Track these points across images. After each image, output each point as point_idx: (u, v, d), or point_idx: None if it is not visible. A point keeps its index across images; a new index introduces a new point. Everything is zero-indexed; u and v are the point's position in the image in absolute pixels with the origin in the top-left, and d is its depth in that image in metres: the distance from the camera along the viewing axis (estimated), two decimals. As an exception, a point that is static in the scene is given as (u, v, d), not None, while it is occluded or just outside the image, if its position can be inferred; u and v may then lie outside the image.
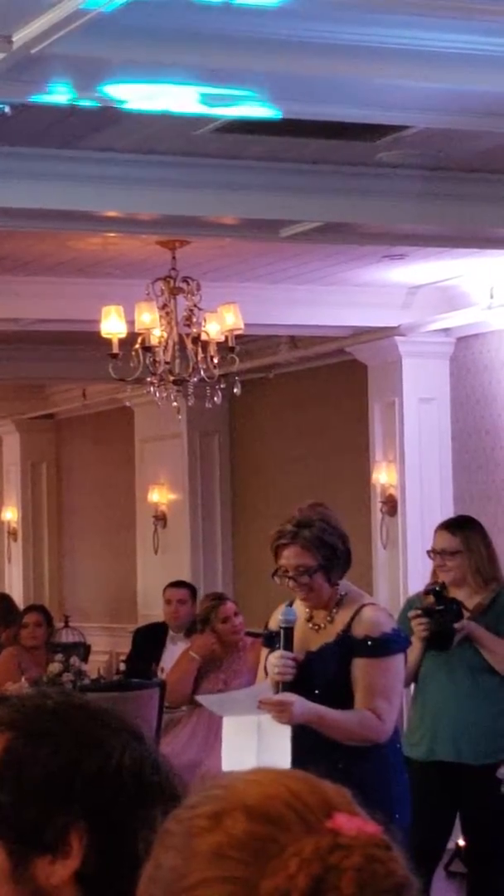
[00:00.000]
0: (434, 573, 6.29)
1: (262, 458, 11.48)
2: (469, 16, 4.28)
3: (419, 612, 6.03)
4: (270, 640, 5.10)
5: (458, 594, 6.13)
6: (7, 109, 5.09)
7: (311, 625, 5.01)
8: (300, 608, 5.05)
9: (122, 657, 10.84)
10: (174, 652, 9.11)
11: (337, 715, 4.82)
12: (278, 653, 4.89)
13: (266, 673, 5.03)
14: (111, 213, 6.50)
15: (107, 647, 12.60)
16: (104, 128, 5.68)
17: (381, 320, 9.27)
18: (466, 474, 9.34)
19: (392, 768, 4.97)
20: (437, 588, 6.15)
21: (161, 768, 1.74)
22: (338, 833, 1.23)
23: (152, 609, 11.08)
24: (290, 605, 5.07)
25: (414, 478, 9.40)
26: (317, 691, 4.85)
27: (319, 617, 5.00)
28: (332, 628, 4.97)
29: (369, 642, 4.87)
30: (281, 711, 4.74)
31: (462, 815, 6.10)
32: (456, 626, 5.97)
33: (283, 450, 11.18)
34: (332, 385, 10.66)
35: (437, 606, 6.03)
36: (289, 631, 4.92)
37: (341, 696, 4.85)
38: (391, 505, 9.49)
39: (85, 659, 10.36)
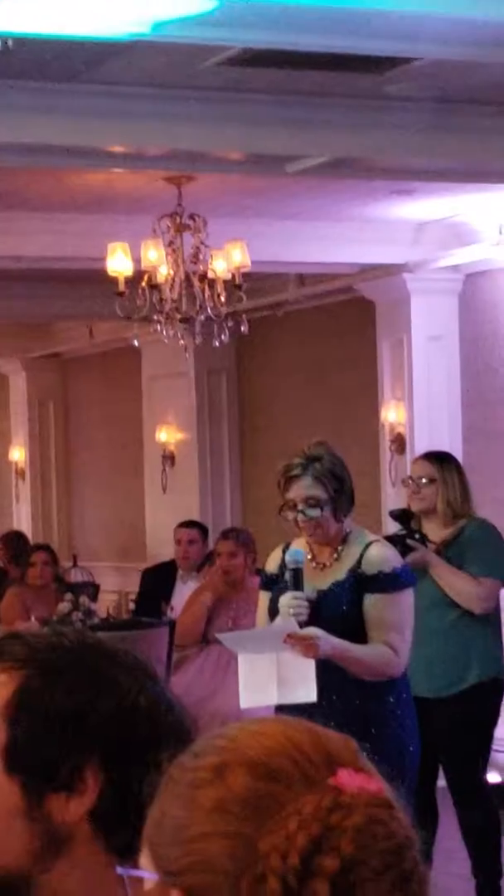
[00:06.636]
0: (408, 504, 6.39)
1: (269, 396, 11.46)
2: None
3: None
4: (270, 583, 5.11)
5: (428, 526, 6.21)
6: (9, 43, 5.03)
7: (314, 564, 5.03)
8: (304, 548, 5.06)
9: (132, 596, 10.89)
10: (184, 591, 9.14)
11: (358, 649, 4.86)
12: (290, 594, 4.88)
13: (270, 616, 5.04)
14: (116, 148, 6.45)
15: (116, 587, 12.63)
16: (107, 61, 5.62)
17: (389, 257, 9.22)
18: (475, 412, 9.32)
19: (405, 703, 5.03)
20: (398, 512, 6.32)
21: (175, 709, 1.73)
22: (339, 790, 1.23)
23: (161, 548, 11.10)
24: (287, 547, 5.08)
25: (422, 416, 9.38)
26: (329, 629, 4.85)
27: (324, 556, 5.03)
28: (340, 566, 4.99)
29: (382, 578, 4.91)
30: (307, 646, 4.75)
31: (438, 749, 6.14)
32: (410, 542, 6.04)
33: (291, 388, 11.16)
34: (339, 323, 10.62)
35: (400, 532, 6.16)
36: (298, 571, 4.92)
37: (353, 633, 4.87)
38: (399, 443, 9.48)
39: (94, 598, 10.39)
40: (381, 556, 4.96)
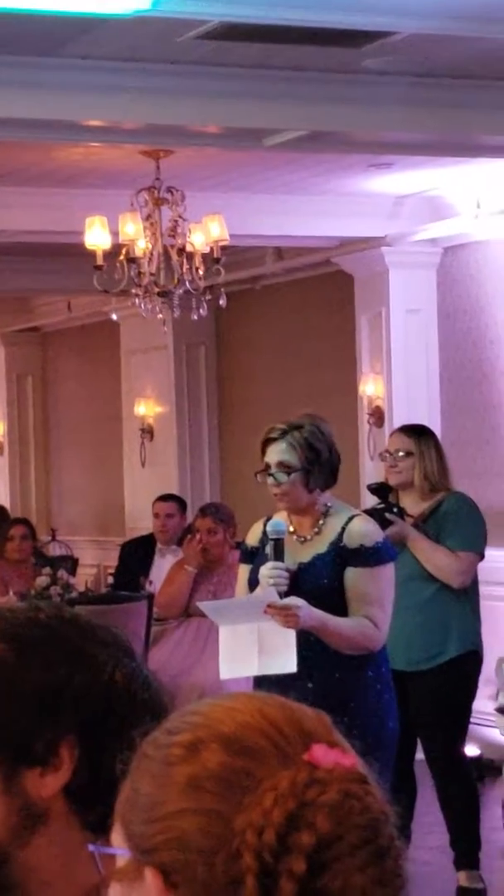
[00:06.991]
0: (385, 478, 6.39)
1: (248, 369, 11.45)
2: None
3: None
4: (250, 556, 5.12)
5: (406, 500, 6.21)
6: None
7: (295, 537, 5.04)
8: (285, 520, 5.06)
9: (110, 570, 10.88)
10: (162, 565, 9.14)
11: (339, 622, 4.87)
12: (270, 564, 4.90)
13: (250, 588, 5.04)
14: (93, 122, 6.42)
15: (94, 561, 12.63)
16: (84, 35, 5.59)
17: (367, 230, 9.21)
18: (453, 385, 9.33)
19: (384, 677, 5.03)
20: (375, 485, 6.31)
21: (151, 685, 1.73)
22: (314, 766, 1.22)
23: (140, 522, 11.10)
24: (269, 520, 5.09)
25: (401, 389, 9.39)
26: (309, 602, 4.86)
27: (304, 529, 5.04)
28: (321, 539, 5.00)
29: (364, 552, 4.93)
30: (287, 616, 4.76)
31: (416, 722, 6.16)
32: (388, 516, 6.03)
33: (270, 361, 11.15)
34: (318, 296, 10.60)
35: (378, 506, 6.17)
36: (279, 542, 4.93)
37: (333, 606, 4.89)
38: (378, 416, 9.49)
39: (73, 572, 10.39)
40: (364, 530, 4.98)
